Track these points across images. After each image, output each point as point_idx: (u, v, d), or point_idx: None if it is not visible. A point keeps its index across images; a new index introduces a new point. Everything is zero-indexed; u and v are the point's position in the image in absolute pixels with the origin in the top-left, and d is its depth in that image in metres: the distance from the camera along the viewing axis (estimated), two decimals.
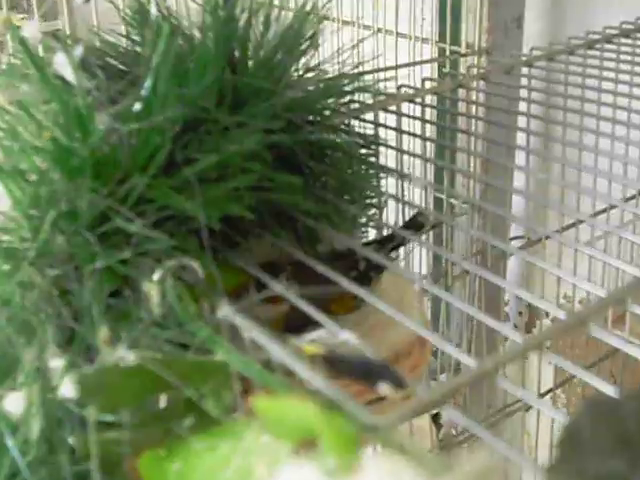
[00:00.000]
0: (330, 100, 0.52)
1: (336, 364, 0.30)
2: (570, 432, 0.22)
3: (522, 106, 0.68)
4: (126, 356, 0.32)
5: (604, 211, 0.80)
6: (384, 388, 0.29)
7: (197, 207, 0.36)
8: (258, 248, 0.47)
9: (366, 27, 0.96)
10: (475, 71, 0.66)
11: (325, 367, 0.30)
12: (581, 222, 0.81)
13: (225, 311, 0.35)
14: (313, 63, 0.53)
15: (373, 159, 0.55)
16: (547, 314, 0.98)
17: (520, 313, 1.12)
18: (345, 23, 0.99)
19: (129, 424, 0.30)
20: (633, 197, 0.80)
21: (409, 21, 0.92)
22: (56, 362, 0.35)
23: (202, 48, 0.43)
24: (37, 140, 0.37)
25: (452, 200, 0.89)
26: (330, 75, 0.55)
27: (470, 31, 0.87)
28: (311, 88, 0.51)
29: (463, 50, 0.87)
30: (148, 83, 0.38)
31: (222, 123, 0.40)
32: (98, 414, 0.29)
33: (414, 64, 0.86)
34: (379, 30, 0.94)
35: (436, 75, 0.93)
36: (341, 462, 0.22)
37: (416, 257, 0.86)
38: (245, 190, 0.39)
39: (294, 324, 0.40)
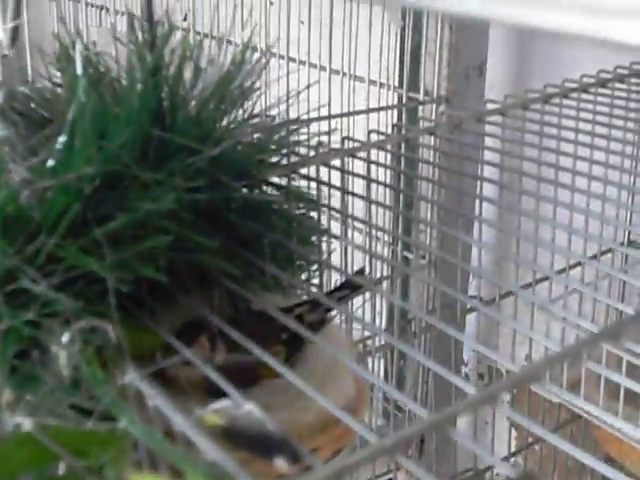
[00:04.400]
0: (264, 154, 0.54)
1: (235, 436, 0.32)
2: None
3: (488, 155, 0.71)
4: (23, 423, 0.34)
5: (564, 270, 0.83)
6: (280, 462, 0.30)
7: (106, 269, 0.38)
8: (181, 307, 0.49)
9: (322, 68, 0.99)
10: (444, 118, 0.69)
11: (224, 439, 0.32)
12: (542, 280, 0.84)
13: (131, 377, 0.37)
14: (260, 106, 0.55)
15: (313, 219, 0.57)
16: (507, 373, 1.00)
17: (481, 376, 1.14)
18: (302, 63, 1.02)
19: None
20: (595, 256, 0.83)
21: (367, 64, 0.95)
22: None
23: (126, 100, 0.45)
24: None
25: (407, 254, 0.92)
26: (270, 124, 0.57)
27: (429, 78, 0.90)
28: (245, 140, 0.53)
29: (421, 97, 0.90)
30: (63, 138, 0.40)
31: (141, 180, 0.42)
32: None
33: (369, 111, 0.89)
34: (337, 72, 0.97)
35: (396, 120, 0.96)
36: None
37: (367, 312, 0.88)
38: (161, 251, 0.41)
39: (217, 386, 0.42)
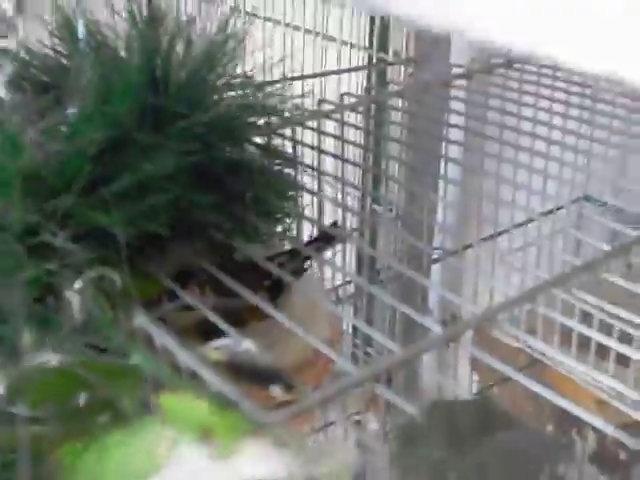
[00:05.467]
0: (249, 116, 0.59)
1: (235, 369, 0.38)
2: (405, 429, 0.30)
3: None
4: (50, 358, 0.39)
5: (522, 224, 0.89)
6: (276, 390, 0.36)
7: (115, 224, 0.44)
8: (174, 257, 0.55)
9: (296, 28, 1.04)
10: (412, 81, 0.75)
11: (226, 372, 0.38)
12: (500, 233, 0.90)
13: (140, 320, 0.42)
14: (244, 68, 0.61)
15: (290, 175, 0.63)
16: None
17: (444, 323, 1.20)
18: (276, 23, 1.06)
19: (53, 419, 0.37)
20: (551, 211, 0.89)
21: (339, 25, 1.00)
22: None
23: (125, 70, 0.50)
24: None
25: (376, 207, 0.98)
26: (254, 85, 0.62)
27: (398, 39, 0.95)
28: (233, 104, 0.59)
29: (390, 58, 0.95)
30: (75, 104, 0.45)
31: (141, 144, 0.48)
32: (24, 410, 0.37)
33: (340, 72, 0.94)
34: (309, 32, 1.02)
35: (366, 79, 1.01)
36: (227, 448, 0.30)
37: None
38: (161, 208, 0.47)
39: (210, 328, 0.48)
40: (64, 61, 0.57)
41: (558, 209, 0.89)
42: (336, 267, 0.67)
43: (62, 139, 0.44)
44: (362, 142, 0.79)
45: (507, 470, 0.29)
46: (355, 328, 1.02)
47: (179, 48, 0.54)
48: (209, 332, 0.47)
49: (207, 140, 0.51)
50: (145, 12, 0.53)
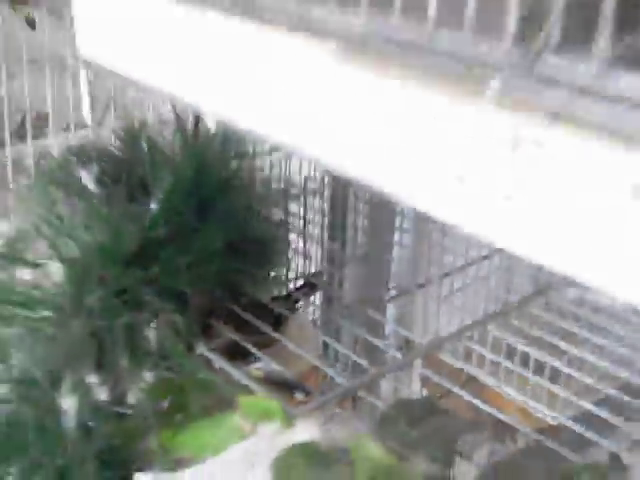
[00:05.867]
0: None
1: (270, 382, 0.60)
2: (384, 413, 0.52)
3: None
4: (146, 376, 0.61)
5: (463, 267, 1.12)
6: (299, 395, 0.58)
7: (182, 285, 0.65)
8: (209, 303, 0.76)
9: None
10: None
11: (264, 384, 0.59)
12: (447, 275, 1.13)
13: (201, 349, 0.64)
14: None
15: (285, 238, 0.85)
16: None
17: (400, 347, 1.43)
18: None
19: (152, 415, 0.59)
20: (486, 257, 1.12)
21: None
22: (92, 379, 0.64)
23: (181, 171, 0.72)
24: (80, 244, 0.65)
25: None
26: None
27: None
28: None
29: None
30: (157, 200, 0.66)
31: (194, 227, 0.69)
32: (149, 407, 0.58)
33: None
34: None
35: None
36: (280, 426, 0.52)
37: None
38: (209, 272, 0.68)
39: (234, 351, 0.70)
40: (123, 156, 0.78)
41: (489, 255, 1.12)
42: (315, 305, 0.89)
43: (146, 226, 0.66)
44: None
45: (440, 439, 0.50)
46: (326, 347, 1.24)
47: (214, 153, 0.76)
48: (239, 354, 0.69)
49: (239, 221, 0.73)
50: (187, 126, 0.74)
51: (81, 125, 0.99)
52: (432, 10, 0.37)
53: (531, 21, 0.36)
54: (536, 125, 0.31)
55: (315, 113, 0.41)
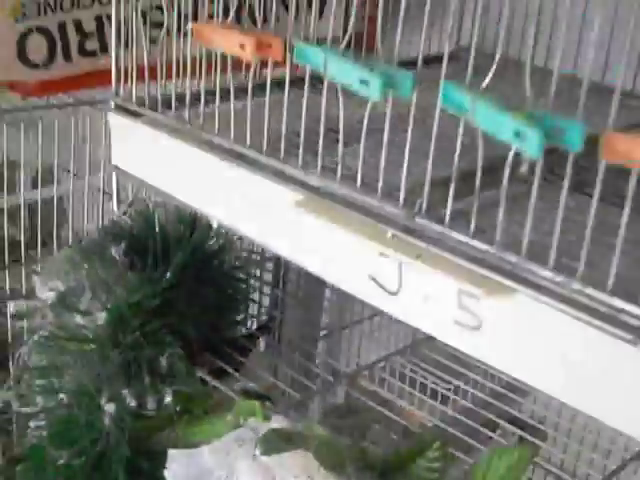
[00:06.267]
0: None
1: (249, 394, 0.91)
2: (324, 411, 0.84)
3: None
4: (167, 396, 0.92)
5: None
6: (267, 404, 0.89)
7: (183, 325, 0.96)
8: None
9: None
10: None
11: (245, 395, 0.90)
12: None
13: (200, 372, 0.95)
14: None
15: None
16: None
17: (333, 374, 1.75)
18: None
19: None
20: None
21: None
22: (125, 391, 0.94)
23: (178, 251, 1.02)
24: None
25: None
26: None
27: None
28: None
29: None
30: (170, 274, 0.97)
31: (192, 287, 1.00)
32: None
33: None
34: None
35: None
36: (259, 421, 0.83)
37: None
38: (200, 320, 0.99)
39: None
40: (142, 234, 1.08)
41: None
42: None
43: (159, 289, 0.96)
44: None
45: (360, 426, 0.83)
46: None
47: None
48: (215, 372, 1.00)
49: (223, 283, 1.04)
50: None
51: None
52: (358, 180, 0.68)
53: (413, 193, 0.67)
54: (410, 259, 0.64)
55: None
